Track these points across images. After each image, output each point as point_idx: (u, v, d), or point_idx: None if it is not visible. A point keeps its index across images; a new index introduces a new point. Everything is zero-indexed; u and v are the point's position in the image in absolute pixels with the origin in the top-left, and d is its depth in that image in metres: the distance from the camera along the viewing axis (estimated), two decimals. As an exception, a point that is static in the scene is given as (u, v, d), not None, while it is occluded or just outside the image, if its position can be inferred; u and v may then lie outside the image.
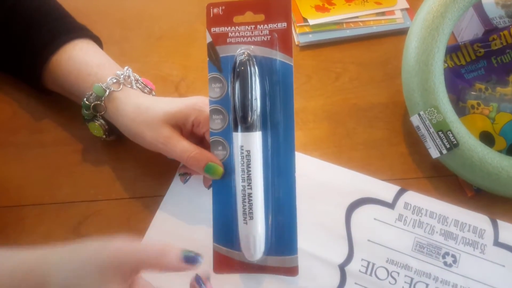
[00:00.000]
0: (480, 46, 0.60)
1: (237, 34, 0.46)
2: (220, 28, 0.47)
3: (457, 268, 0.49)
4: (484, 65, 0.60)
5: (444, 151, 0.51)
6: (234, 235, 0.46)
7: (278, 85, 0.46)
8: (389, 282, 0.48)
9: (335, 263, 0.49)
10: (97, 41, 0.58)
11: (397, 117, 0.60)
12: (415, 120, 0.53)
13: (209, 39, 0.47)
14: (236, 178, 0.46)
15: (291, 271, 0.45)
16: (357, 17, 0.67)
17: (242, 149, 0.45)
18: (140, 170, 0.56)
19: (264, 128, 0.46)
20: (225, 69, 0.46)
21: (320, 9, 0.68)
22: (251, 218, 0.45)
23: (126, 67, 0.53)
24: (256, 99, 0.45)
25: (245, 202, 0.45)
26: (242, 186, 0.45)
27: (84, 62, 0.53)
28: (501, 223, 0.51)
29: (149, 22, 0.69)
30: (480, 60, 0.60)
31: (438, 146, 0.52)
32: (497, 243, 0.50)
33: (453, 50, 0.60)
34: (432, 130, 0.52)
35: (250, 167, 0.45)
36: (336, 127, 0.59)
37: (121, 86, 0.51)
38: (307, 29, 0.66)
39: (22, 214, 0.53)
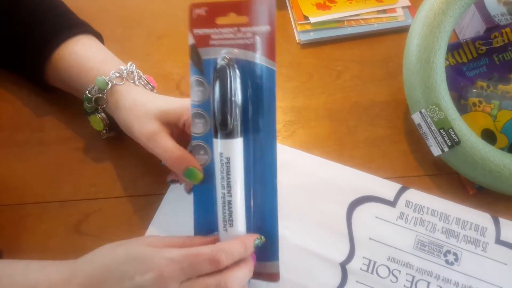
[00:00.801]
0: (481, 43, 0.59)
1: (220, 36, 0.45)
2: (203, 30, 0.45)
3: (459, 266, 0.49)
4: (486, 62, 0.60)
5: (446, 149, 0.51)
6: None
7: (261, 90, 0.44)
8: (391, 280, 0.48)
9: (336, 261, 0.49)
10: (99, 37, 0.58)
11: (399, 115, 0.59)
12: (416, 118, 0.53)
13: (191, 41, 0.45)
14: (216, 185, 0.44)
15: (273, 276, 0.45)
16: (358, 14, 0.67)
17: (221, 156, 0.43)
18: (141, 168, 0.55)
19: (245, 134, 0.44)
20: (207, 72, 0.45)
21: (321, 6, 0.68)
22: (231, 225, 0.44)
23: (130, 63, 0.53)
24: (236, 105, 0.43)
25: (225, 209, 0.44)
26: (222, 193, 0.44)
27: (86, 57, 0.53)
28: (503, 221, 0.51)
29: (150, 21, 0.69)
30: (481, 57, 0.60)
31: (440, 144, 0.51)
32: (499, 241, 0.50)
33: (454, 47, 0.60)
34: (433, 127, 0.51)
35: (229, 175, 0.43)
36: (337, 125, 0.59)
37: (123, 80, 0.51)
38: (308, 27, 0.66)
39: (23, 212, 0.53)
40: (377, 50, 0.65)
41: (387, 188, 0.53)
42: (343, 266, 0.49)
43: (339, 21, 0.67)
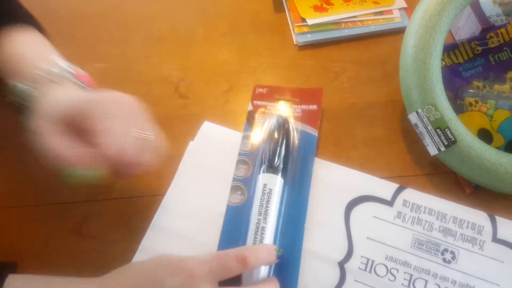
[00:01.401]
0: (477, 44, 0.60)
1: (274, 107, 0.58)
2: (261, 102, 0.58)
3: (456, 264, 0.49)
4: (482, 63, 0.60)
5: (442, 148, 0.52)
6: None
7: (302, 148, 0.54)
8: (389, 279, 0.48)
9: (334, 260, 0.49)
10: (35, 24, 0.54)
11: (396, 115, 0.60)
12: (413, 118, 0.53)
13: (250, 108, 0.58)
14: (252, 213, 0.49)
15: None
16: (355, 16, 0.68)
17: (265, 187, 0.50)
18: (141, 170, 0.56)
19: (285, 180, 0.52)
20: (257, 131, 0.56)
21: (319, 9, 0.68)
22: None
23: (56, 56, 0.50)
24: (284, 148, 0.52)
25: (257, 234, 0.47)
26: (258, 219, 0.48)
27: (13, 55, 0.50)
28: (499, 220, 0.51)
29: (148, 24, 0.69)
30: (477, 58, 0.60)
31: (436, 143, 0.52)
32: (495, 239, 0.50)
33: (450, 48, 0.60)
34: (430, 127, 0.52)
35: (269, 203, 0.49)
36: (335, 126, 0.59)
37: (47, 81, 0.47)
38: (305, 29, 0.66)
39: (23, 214, 0.53)
40: (374, 51, 0.66)
41: (385, 187, 0.53)
42: (342, 265, 0.49)
43: (336, 23, 0.67)
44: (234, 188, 0.52)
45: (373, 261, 0.49)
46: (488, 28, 0.61)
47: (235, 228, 0.50)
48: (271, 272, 0.47)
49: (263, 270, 0.46)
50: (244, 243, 0.48)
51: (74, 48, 0.66)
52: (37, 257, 0.51)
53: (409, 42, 0.54)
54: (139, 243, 0.50)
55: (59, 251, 0.51)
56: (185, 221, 0.52)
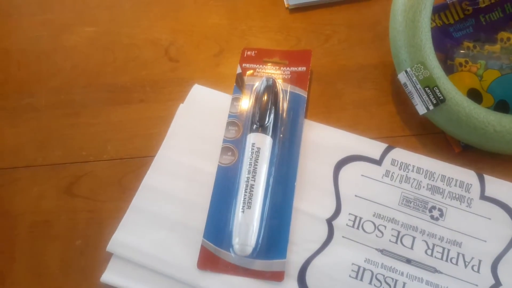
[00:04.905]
0: (468, 4, 0.59)
1: (263, 70, 0.58)
2: (250, 64, 0.58)
3: (444, 221, 0.50)
4: (472, 23, 0.60)
5: (431, 107, 0.52)
6: (225, 235, 0.48)
7: (291, 109, 0.55)
8: (376, 235, 0.49)
9: (323, 217, 0.49)
10: None
11: (386, 77, 0.60)
12: (402, 77, 0.53)
13: (239, 71, 0.58)
14: (242, 172, 0.50)
15: (277, 276, 0.46)
16: (346, -21, 0.67)
17: (253, 146, 0.50)
18: (131, 131, 0.56)
19: (275, 139, 0.52)
20: (246, 93, 0.56)
21: (310, -28, 0.68)
22: (249, 207, 0.47)
23: None
24: (273, 107, 0.53)
25: (246, 192, 0.48)
26: (247, 177, 0.49)
27: None
28: (488, 178, 0.52)
29: (138, -12, 0.69)
30: (468, 18, 0.60)
31: (425, 102, 0.52)
32: (483, 197, 0.51)
33: (441, 9, 0.60)
34: (419, 86, 0.52)
35: (257, 162, 0.49)
36: (325, 88, 0.59)
37: None
38: (296, -8, 0.66)
39: (15, 175, 0.54)
40: (366, 14, 0.65)
41: (373, 147, 0.54)
42: (330, 222, 0.49)
43: (327, -14, 0.67)
44: (224, 150, 0.53)
45: (360, 218, 0.50)
46: (479, -13, 0.60)
47: (226, 188, 0.50)
48: (262, 230, 0.48)
49: (254, 229, 0.47)
50: (235, 202, 0.49)
51: (63, 12, 0.66)
52: (29, 215, 0.51)
53: (399, 1, 0.53)
54: (130, 202, 0.50)
55: (51, 209, 0.51)
56: (176, 181, 0.52)
